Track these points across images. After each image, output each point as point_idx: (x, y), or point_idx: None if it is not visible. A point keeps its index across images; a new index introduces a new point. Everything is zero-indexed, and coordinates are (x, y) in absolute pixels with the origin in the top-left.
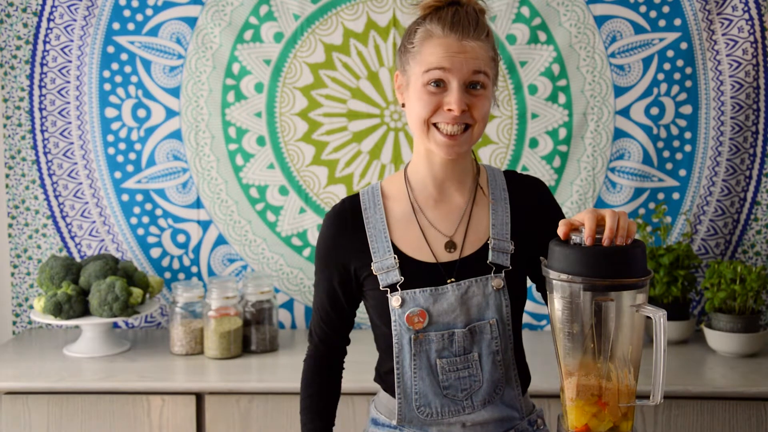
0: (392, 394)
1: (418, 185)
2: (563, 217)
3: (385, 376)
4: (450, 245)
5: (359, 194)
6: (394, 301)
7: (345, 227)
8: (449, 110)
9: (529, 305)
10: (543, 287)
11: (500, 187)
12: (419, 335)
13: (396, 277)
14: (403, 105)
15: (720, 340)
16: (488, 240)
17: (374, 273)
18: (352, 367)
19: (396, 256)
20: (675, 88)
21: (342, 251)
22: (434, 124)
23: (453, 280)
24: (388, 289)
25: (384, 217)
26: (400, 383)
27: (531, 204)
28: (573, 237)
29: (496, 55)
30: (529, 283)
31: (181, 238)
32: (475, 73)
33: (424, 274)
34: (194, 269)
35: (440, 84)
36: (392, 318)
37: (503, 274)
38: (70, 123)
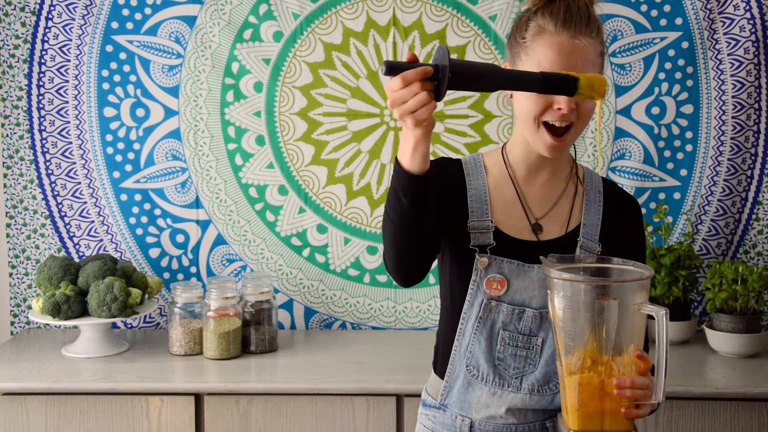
0: (444, 374)
1: (514, 165)
2: (645, 249)
3: (442, 348)
4: (537, 227)
5: (461, 160)
6: (481, 262)
7: (452, 173)
8: (558, 109)
9: None
10: None
11: (596, 188)
12: (492, 302)
13: (489, 240)
14: (511, 95)
15: (721, 340)
16: (577, 235)
17: (469, 231)
18: (352, 367)
19: (492, 220)
20: (676, 88)
21: (448, 182)
22: (543, 122)
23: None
24: (477, 249)
25: (486, 184)
26: (459, 342)
27: (623, 219)
28: None
29: (604, 48)
30: None
31: (180, 238)
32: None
33: (514, 248)
34: (193, 269)
35: None
36: (472, 277)
37: None
38: (68, 122)
